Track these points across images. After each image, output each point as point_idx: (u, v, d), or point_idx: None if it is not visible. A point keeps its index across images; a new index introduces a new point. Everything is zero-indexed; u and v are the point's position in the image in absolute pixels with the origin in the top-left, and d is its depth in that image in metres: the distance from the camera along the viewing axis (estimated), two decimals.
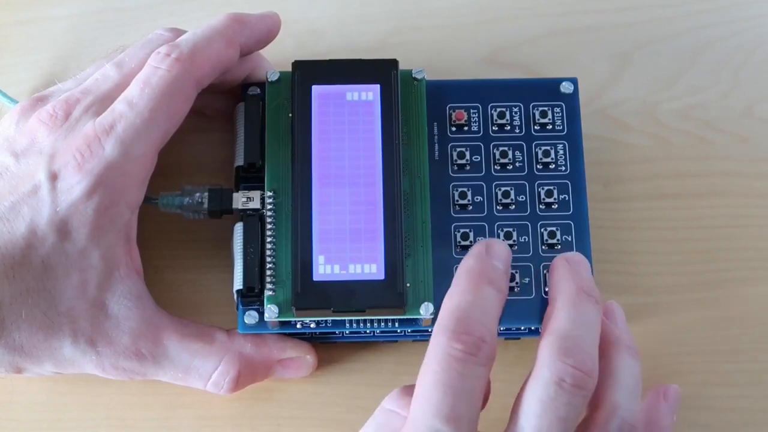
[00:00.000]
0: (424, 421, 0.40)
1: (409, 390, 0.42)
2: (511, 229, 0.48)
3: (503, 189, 0.48)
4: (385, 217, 0.46)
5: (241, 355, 0.47)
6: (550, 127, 0.49)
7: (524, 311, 0.47)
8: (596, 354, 0.42)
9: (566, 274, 0.45)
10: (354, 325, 0.47)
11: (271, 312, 0.46)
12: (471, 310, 0.42)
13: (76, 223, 0.44)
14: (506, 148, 0.49)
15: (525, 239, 0.48)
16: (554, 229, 0.48)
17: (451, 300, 0.43)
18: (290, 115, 0.48)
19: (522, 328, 0.47)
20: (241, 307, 0.47)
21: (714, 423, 0.49)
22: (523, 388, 0.42)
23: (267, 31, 0.49)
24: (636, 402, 0.43)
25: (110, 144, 0.45)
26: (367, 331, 0.48)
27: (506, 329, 0.48)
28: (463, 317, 0.42)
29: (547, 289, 0.47)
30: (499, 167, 0.49)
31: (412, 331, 0.48)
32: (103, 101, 0.46)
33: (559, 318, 0.43)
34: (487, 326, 0.42)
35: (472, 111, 0.50)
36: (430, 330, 0.47)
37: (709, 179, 0.52)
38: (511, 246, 0.47)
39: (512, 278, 0.47)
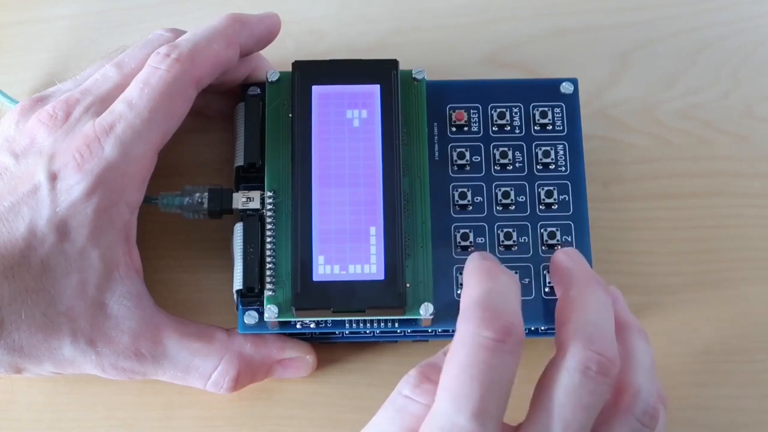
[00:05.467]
0: (449, 417, 0.39)
1: (425, 375, 0.41)
2: (511, 230, 0.48)
3: (503, 189, 0.48)
4: (385, 217, 0.46)
5: (241, 355, 0.47)
6: (550, 127, 0.49)
7: (524, 311, 0.46)
8: (615, 340, 0.42)
9: (572, 264, 0.45)
10: (354, 325, 0.47)
11: (270, 312, 0.46)
12: (494, 296, 0.41)
13: (76, 223, 0.45)
14: (506, 149, 0.49)
15: (525, 240, 0.48)
16: (554, 229, 0.48)
17: (470, 292, 0.42)
18: (290, 115, 0.48)
19: None
20: (240, 307, 0.47)
21: (714, 423, 0.49)
22: (544, 378, 0.41)
23: (267, 31, 0.49)
24: (654, 384, 0.43)
25: (110, 144, 0.45)
26: (367, 332, 0.48)
27: None
28: (487, 303, 0.41)
29: (547, 290, 0.47)
30: (499, 167, 0.49)
31: (412, 332, 0.48)
32: (103, 101, 0.46)
33: (577, 306, 0.43)
34: (513, 311, 0.41)
35: (472, 111, 0.50)
36: (429, 330, 0.47)
37: (709, 179, 0.52)
38: (510, 246, 0.47)
39: None
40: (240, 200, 0.48)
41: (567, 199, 0.48)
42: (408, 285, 0.46)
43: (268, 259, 0.46)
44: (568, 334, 0.42)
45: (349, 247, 0.46)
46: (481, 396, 0.39)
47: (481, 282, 0.42)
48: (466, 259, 0.47)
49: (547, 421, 0.40)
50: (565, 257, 0.45)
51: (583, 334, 0.41)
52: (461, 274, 0.47)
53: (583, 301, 0.43)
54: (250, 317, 0.47)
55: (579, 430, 0.40)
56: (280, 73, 0.49)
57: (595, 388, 0.41)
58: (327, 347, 0.49)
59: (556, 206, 0.48)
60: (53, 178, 0.45)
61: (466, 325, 0.40)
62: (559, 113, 0.50)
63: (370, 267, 0.46)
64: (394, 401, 0.41)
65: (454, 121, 0.49)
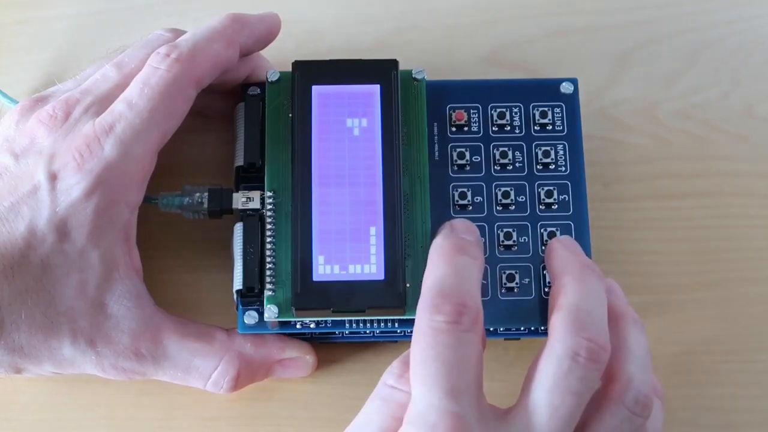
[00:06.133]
0: (425, 400, 0.40)
1: (407, 365, 0.42)
2: (511, 230, 0.48)
3: (503, 189, 0.48)
4: (385, 217, 0.46)
5: (241, 355, 0.47)
6: (550, 127, 0.49)
7: (524, 311, 0.47)
8: (607, 328, 0.43)
9: (566, 252, 0.45)
10: (354, 325, 0.47)
11: (270, 312, 0.46)
12: (446, 280, 0.42)
13: (76, 223, 0.45)
14: (506, 149, 0.49)
15: (525, 239, 0.48)
16: (554, 229, 0.48)
17: (426, 280, 0.43)
18: (290, 115, 0.48)
19: (522, 328, 0.47)
20: (240, 307, 0.47)
21: (714, 423, 0.49)
22: (535, 363, 0.42)
23: (267, 31, 0.49)
24: (648, 373, 0.44)
25: (110, 144, 0.45)
26: (367, 332, 0.48)
27: (506, 329, 0.48)
28: (439, 289, 0.42)
29: (547, 289, 0.47)
30: (499, 167, 0.49)
31: (412, 332, 0.48)
32: (103, 101, 0.46)
33: (569, 293, 0.43)
34: (466, 291, 0.42)
35: (472, 111, 0.50)
36: None
37: (709, 179, 0.52)
38: (510, 246, 0.47)
39: (512, 278, 0.47)
40: (240, 200, 0.48)
41: (567, 199, 0.48)
42: (408, 285, 0.46)
43: (268, 259, 0.46)
44: (559, 320, 0.42)
45: (349, 247, 0.46)
46: (448, 374, 0.40)
47: (437, 267, 0.43)
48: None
49: (535, 407, 0.41)
50: (560, 245, 0.45)
51: (574, 320, 0.42)
52: None
53: (575, 288, 0.43)
54: (250, 317, 0.47)
55: (567, 417, 0.41)
56: (280, 73, 0.49)
57: (584, 375, 0.41)
58: (327, 347, 0.49)
59: (556, 206, 0.48)
60: (53, 178, 0.45)
61: (421, 314, 0.42)
62: (559, 113, 0.50)
63: (370, 267, 0.46)
64: (379, 392, 0.42)
65: (454, 121, 0.49)
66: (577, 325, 0.42)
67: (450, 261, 0.43)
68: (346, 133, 0.47)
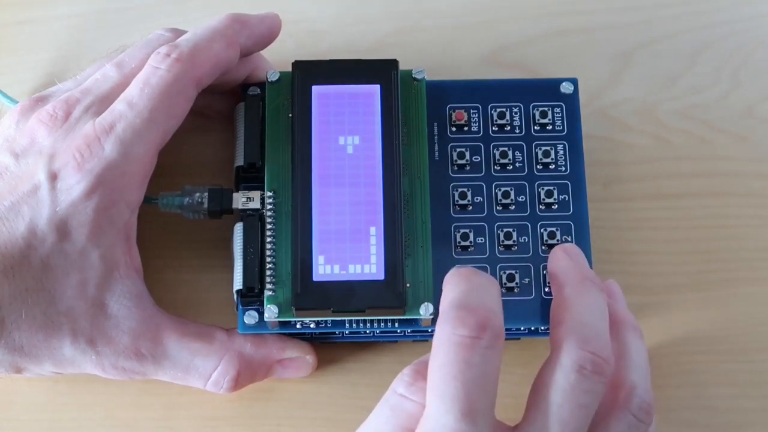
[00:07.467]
0: (441, 420, 0.39)
1: (419, 373, 0.41)
2: (511, 230, 0.48)
3: (503, 189, 0.48)
4: (385, 217, 0.46)
5: (241, 355, 0.47)
6: (550, 127, 0.49)
7: (524, 311, 0.47)
8: (609, 340, 0.43)
9: (568, 263, 0.45)
10: (354, 325, 0.47)
11: (270, 312, 0.46)
12: (468, 295, 0.41)
13: (76, 223, 0.45)
14: (506, 149, 0.49)
15: (525, 239, 0.48)
16: (554, 229, 0.48)
17: (446, 296, 0.42)
18: (290, 115, 0.48)
19: (522, 328, 0.47)
20: (240, 307, 0.47)
21: (714, 423, 0.49)
22: (540, 378, 0.42)
23: (267, 31, 0.49)
24: (648, 380, 0.44)
25: (110, 144, 0.45)
26: (367, 332, 0.48)
27: (506, 329, 0.47)
28: (461, 303, 0.41)
29: (547, 289, 0.47)
30: (499, 167, 0.49)
31: (412, 332, 0.48)
32: (103, 101, 0.46)
33: (571, 307, 0.43)
34: (489, 308, 0.41)
35: (472, 111, 0.50)
36: (429, 330, 0.47)
37: (709, 179, 0.52)
38: (510, 246, 0.47)
39: (512, 278, 0.47)
40: (240, 200, 0.48)
41: (567, 199, 0.48)
42: (408, 285, 0.46)
43: (268, 259, 0.46)
44: (563, 334, 0.42)
45: (349, 247, 0.46)
46: (467, 394, 0.39)
47: (456, 285, 0.42)
48: (466, 259, 0.47)
49: (544, 422, 0.41)
50: (563, 254, 0.45)
51: (578, 334, 0.42)
52: None
53: (577, 301, 0.43)
54: (250, 317, 0.47)
55: (577, 430, 0.41)
56: (280, 73, 0.49)
57: (591, 387, 0.41)
58: (327, 347, 0.49)
59: (556, 206, 0.48)
60: (53, 177, 0.45)
61: (442, 327, 0.41)
62: (559, 113, 0.50)
63: (370, 267, 0.46)
64: (388, 400, 0.42)
65: (454, 121, 0.49)
66: (581, 339, 0.42)
67: (470, 280, 0.42)
68: (347, 126, 0.47)
